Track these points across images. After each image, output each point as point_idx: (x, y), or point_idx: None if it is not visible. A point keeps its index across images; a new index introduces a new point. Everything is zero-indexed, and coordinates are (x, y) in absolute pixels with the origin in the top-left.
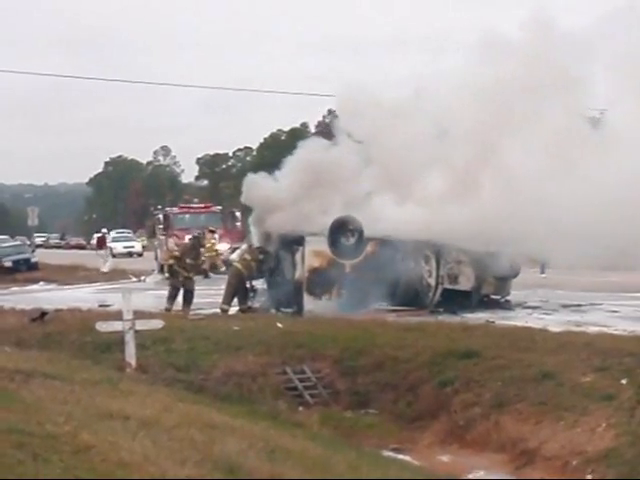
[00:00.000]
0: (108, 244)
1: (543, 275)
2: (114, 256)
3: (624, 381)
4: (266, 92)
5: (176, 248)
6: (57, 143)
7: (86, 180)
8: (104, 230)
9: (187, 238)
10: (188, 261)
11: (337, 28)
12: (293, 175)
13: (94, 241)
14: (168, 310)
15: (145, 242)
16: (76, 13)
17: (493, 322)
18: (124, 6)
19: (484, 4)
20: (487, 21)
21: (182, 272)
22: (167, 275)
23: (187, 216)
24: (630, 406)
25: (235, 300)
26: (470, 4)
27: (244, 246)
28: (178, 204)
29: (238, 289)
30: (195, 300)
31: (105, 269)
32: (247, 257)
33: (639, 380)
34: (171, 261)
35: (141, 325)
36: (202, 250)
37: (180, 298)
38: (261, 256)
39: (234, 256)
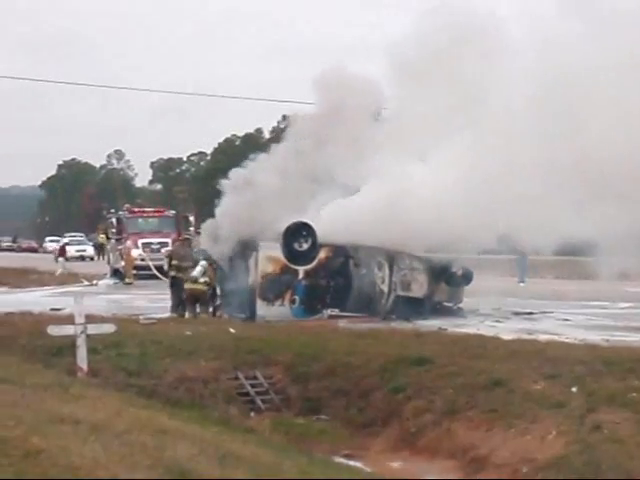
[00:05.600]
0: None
1: (522, 284)
2: (66, 260)
3: (574, 389)
4: (219, 97)
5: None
6: (9, 145)
7: (39, 183)
8: (65, 241)
9: (140, 243)
10: (174, 263)
11: (299, 35)
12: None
13: (53, 247)
14: (182, 316)
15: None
16: (35, 15)
17: (445, 329)
18: (83, 9)
19: None
20: None
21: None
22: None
23: (140, 220)
24: (580, 414)
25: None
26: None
27: (203, 263)
28: (127, 207)
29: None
30: (146, 305)
31: (58, 272)
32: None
33: (589, 388)
34: (173, 272)
35: (93, 329)
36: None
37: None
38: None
39: (195, 273)
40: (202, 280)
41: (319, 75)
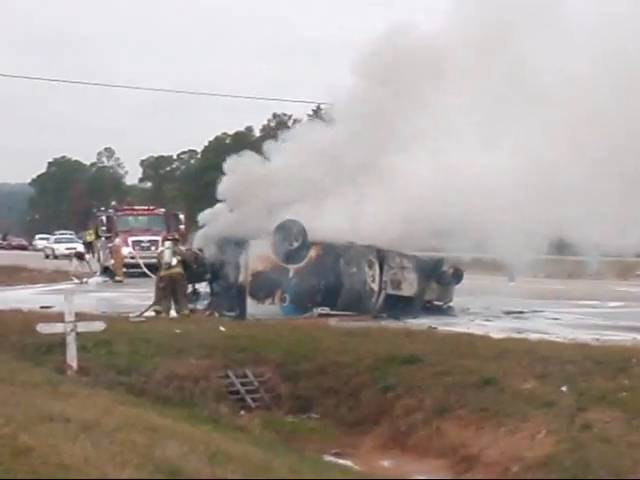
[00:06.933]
0: (50, 245)
1: (512, 283)
2: (56, 257)
3: (564, 388)
4: (209, 95)
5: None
6: None
7: (29, 180)
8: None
9: (130, 241)
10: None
11: (290, 33)
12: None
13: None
14: (158, 312)
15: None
16: (28, 13)
17: (435, 328)
18: (75, 6)
19: None
20: None
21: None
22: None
23: (130, 218)
24: (570, 413)
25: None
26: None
27: (167, 243)
28: (114, 205)
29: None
30: (136, 303)
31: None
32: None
33: (579, 387)
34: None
35: (83, 327)
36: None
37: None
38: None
39: (167, 258)
40: (175, 262)
41: (369, 45)
